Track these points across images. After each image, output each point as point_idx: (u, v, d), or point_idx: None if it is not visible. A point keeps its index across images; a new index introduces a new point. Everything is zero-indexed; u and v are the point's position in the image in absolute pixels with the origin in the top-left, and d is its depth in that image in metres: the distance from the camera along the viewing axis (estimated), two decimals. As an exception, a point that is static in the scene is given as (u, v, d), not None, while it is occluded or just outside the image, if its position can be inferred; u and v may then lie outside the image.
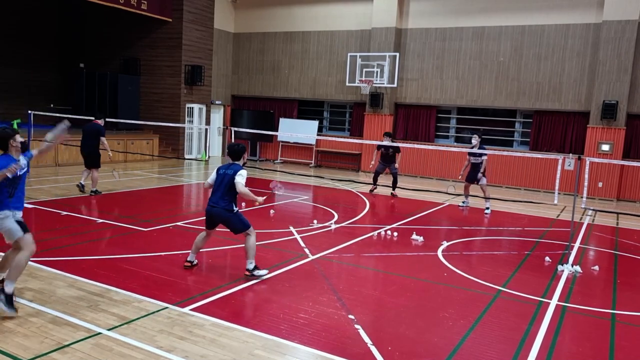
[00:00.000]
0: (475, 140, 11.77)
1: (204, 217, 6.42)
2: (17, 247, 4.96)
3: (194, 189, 13.79)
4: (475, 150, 11.33)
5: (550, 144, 16.45)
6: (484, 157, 11.66)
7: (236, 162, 6.28)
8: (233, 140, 13.92)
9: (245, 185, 6.04)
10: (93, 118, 11.73)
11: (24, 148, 5.06)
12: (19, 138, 4.99)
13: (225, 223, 6.21)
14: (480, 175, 11.65)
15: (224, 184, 6.11)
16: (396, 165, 13.30)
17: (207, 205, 6.28)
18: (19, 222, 4.89)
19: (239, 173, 6.07)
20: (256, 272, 6.16)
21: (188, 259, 6.49)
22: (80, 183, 11.23)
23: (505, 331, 5.12)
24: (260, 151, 21.28)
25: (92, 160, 11.19)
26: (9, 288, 4.71)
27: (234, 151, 6.30)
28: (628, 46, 14.89)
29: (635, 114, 15.33)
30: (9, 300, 4.68)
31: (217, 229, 6.47)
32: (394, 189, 13.33)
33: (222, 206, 6.09)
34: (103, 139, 11.14)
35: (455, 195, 13.27)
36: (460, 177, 12.49)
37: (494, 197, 12.02)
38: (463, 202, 12.34)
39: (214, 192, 6.20)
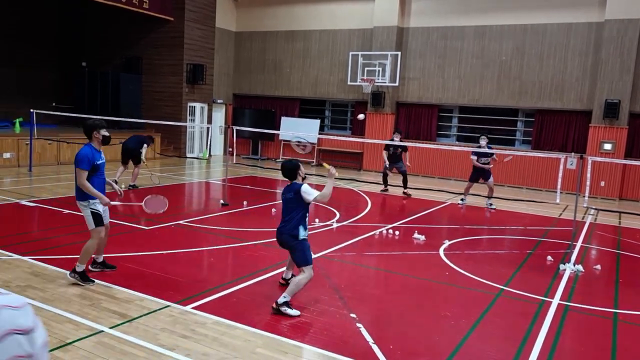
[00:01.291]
0: (484, 141, 11.83)
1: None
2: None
3: (196, 187, 13.80)
4: (484, 150, 11.35)
5: (553, 143, 16.42)
6: (493, 157, 11.82)
7: (294, 181, 5.60)
8: (235, 139, 13.97)
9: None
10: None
11: (106, 141, 5.72)
12: (103, 132, 5.70)
13: (290, 251, 5.55)
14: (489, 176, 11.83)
15: (287, 207, 5.52)
16: (407, 163, 13.40)
17: (278, 227, 5.61)
18: (94, 214, 5.61)
19: (302, 190, 5.39)
20: (285, 309, 5.15)
21: (283, 276, 6.09)
22: (131, 184, 12.01)
23: (506, 330, 5.12)
24: (262, 150, 21.29)
25: (134, 158, 12.02)
26: (79, 268, 5.54)
27: (286, 170, 5.64)
28: (630, 45, 14.86)
29: (637, 113, 15.29)
30: (83, 276, 5.54)
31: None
32: (405, 188, 13.28)
33: (287, 231, 5.43)
34: (145, 146, 12.04)
35: (458, 194, 13.25)
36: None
37: (496, 196, 12.03)
38: (462, 200, 12.44)
39: (282, 215, 5.59)
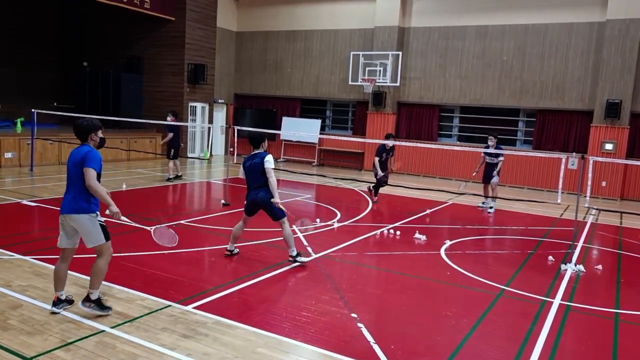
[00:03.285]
0: (491, 141, 11.75)
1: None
2: (97, 251, 4.89)
3: (197, 187, 13.80)
4: (491, 150, 11.28)
5: (554, 143, 16.41)
6: (501, 158, 11.62)
7: (258, 151, 6.66)
8: (236, 139, 14.03)
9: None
10: (172, 117, 13.51)
11: (101, 144, 4.93)
12: (100, 133, 4.89)
13: (267, 209, 6.66)
14: (494, 173, 11.66)
15: (253, 173, 6.58)
16: (392, 167, 12.13)
17: (249, 194, 6.71)
18: (102, 226, 4.79)
19: (265, 159, 6.52)
20: (301, 259, 6.68)
21: (228, 248, 6.98)
22: (178, 174, 13.75)
23: (507, 330, 5.12)
24: (263, 150, 21.27)
25: (178, 152, 13.66)
26: (94, 295, 4.77)
27: (254, 139, 6.69)
28: (632, 45, 14.84)
29: (639, 113, 15.27)
30: (99, 304, 4.79)
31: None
32: (375, 195, 12.07)
33: (264, 195, 6.57)
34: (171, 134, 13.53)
35: (459, 194, 13.24)
36: (474, 174, 12.33)
37: (497, 196, 12.00)
38: (483, 203, 12.25)
39: (251, 183, 6.66)
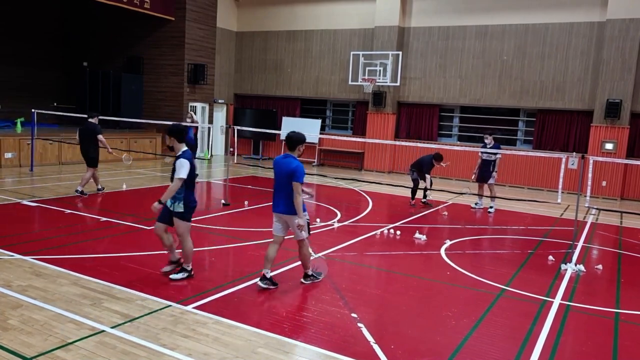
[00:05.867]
0: (487, 139, 11.73)
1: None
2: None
3: (197, 187, 13.80)
4: (489, 150, 11.26)
5: (554, 142, 16.41)
6: (498, 156, 11.61)
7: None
8: (236, 140, 14.01)
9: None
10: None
11: (300, 155, 5.95)
12: (303, 147, 5.97)
13: None
14: (492, 172, 11.62)
15: None
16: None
17: None
18: (308, 223, 5.75)
19: None
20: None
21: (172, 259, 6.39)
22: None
23: (508, 330, 5.12)
24: (263, 150, 21.29)
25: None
26: (310, 272, 6.05)
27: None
28: (632, 45, 14.84)
29: (639, 113, 15.27)
30: (315, 275, 6.08)
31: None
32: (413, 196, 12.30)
33: None
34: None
35: (458, 194, 13.24)
36: (473, 177, 12.20)
37: (497, 195, 12.00)
38: (476, 204, 12.18)
39: None
